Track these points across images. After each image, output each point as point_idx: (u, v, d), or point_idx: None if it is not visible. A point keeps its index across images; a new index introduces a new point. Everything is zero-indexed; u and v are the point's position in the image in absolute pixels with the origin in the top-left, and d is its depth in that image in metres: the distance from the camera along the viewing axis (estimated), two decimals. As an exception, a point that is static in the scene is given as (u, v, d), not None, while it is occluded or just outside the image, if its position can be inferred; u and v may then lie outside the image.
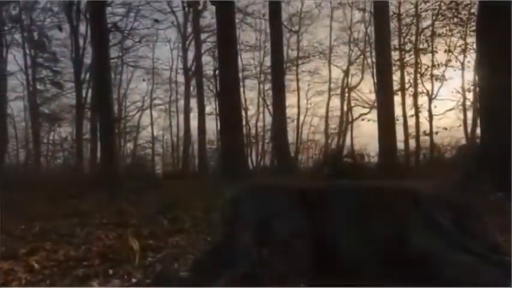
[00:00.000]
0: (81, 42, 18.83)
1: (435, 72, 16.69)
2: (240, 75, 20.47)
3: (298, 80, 22.74)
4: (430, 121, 16.82)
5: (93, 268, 2.88)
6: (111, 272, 2.78)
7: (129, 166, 17.53)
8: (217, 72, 19.24)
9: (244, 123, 21.65)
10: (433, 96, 17.07)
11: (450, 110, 17.03)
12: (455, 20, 15.24)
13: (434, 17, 16.15)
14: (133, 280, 2.60)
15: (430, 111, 17.00)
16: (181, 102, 22.35)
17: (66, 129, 22.69)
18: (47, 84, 21.46)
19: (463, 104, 16.86)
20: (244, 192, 1.82)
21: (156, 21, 18.64)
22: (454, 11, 15.06)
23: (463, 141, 15.41)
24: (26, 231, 4.42)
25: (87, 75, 19.35)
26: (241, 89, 22.00)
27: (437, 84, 17.08)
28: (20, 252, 3.36)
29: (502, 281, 1.49)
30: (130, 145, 24.79)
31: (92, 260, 3.09)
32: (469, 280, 1.43)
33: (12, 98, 20.76)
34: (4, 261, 3.14)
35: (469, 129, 16.31)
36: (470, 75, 16.05)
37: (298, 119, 22.78)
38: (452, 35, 15.81)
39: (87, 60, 18.72)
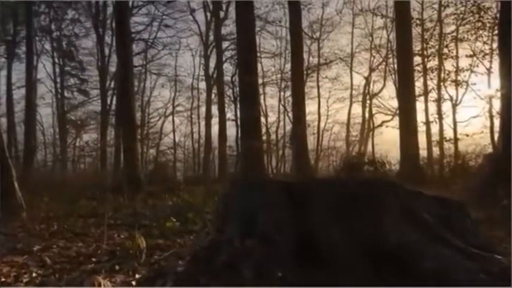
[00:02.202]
0: (106, 51, 19.44)
1: (459, 78, 16.32)
2: (261, 82, 20.72)
3: (318, 87, 22.69)
4: (454, 128, 16.43)
5: (100, 264, 2.98)
6: (117, 267, 2.87)
7: (151, 171, 17.86)
8: (234, 78, 19.56)
9: (264, 130, 21.81)
10: (457, 102, 16.70)
11: (475, 117, 16.57)
12: (479, 24, 14.90)
13: (458, 22, 15.85)
14: (137, 276, 2.68)
15: (454, 117, 16.64)
16: (203, 109, 22.67)
17: (91, 135, 23.39)
18: (74, 92, 22.25)
19: (489, 111, 16.37)
20: (234, 188, 1.87)
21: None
22: (476, 15, 14.74)
23: (488, 149, 14.92)
24: (44, 230, 4.60)
25: (112, 83, 19.92)
26: (262, 96, 22.26)
27: (461, 91, 16.71)
28: (35, 249, 3.51)
29: (497, 281, 1.47)
30: (153, 151, 25.28)
31: (100, 257, 3.19)
32: (445, 272, 1.43)
33: (41, 105, 21.60)
34: (20, 256, 3.30)
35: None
36: (496, 81, 15.62)
37: (318, 126, 22.68)
38: (477, 40, 15.46)
39: (112, 68, 19.32)
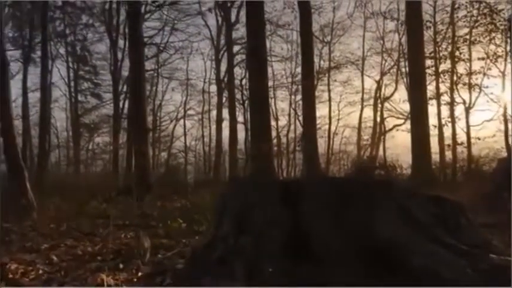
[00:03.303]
0: (119, 55, 19.70)
1: (472, 80, 16.11)
2: (271, 85, 20.76)
3: (329, 91, 22.62)
4: (468, 132, 16.19)
5: (105, 262, 3.03)
6: (121, 266, 2.91)
7: (162, 174, 18.02)
8: (243, 81, 19.69)
9: (275, 133, 21.81)
10: (471, 105, 16.46)
11: (489, 120, 16.32)
12: (491, 26, 14.71)
13: (471, 24, 15.67)
14: (140, 274, 2.72)
15: (467, 121, 16.41)
16: (214, 113, 22.78)
17: (104, 138, 23.71)
18: (88, 96, 22.61)
19: (504, 114, 16.10)
20: (231, 187, 1.89)
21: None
22: (489, 17, 14.55)
23: (501, 152, 14.68)
24: (53, 230, 4.69)
25: (125, 87, 20.18)
26: (273, 100, 22.27)
27: (474, 94, 16.49)
28: (43, 247, 3.59)
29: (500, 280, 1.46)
30: (164, 154, 25.47)
31: (105, 255, 3.25)
32: (434, 268, 1.42)
33: (55, 108, 22.00)
34: (28, 254, 3.38)
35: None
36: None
37: (329, 130, 22.60)
38: (490, 42, 15.25)
39: (125, 72, 19.57)
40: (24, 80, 18.12)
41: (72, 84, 21.63)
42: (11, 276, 2.77)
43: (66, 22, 20.18)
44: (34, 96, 19.11)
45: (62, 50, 21.04)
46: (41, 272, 2.86)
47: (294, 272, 1.52)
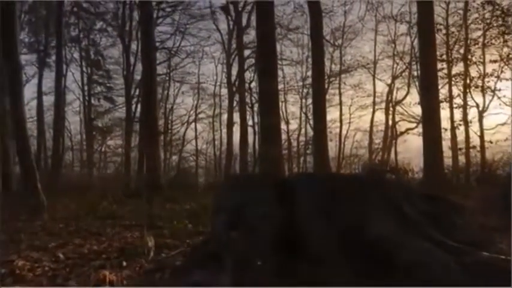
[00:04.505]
0: (132, 60, 19.98)
1: (484, 84, 15.89)
2: (282, 89, 20.80)
3: (340, 94, 22.56)
4: (481, 135, 15.94)
5: (109, 260, 3.09)
6: (125, 264, 2.96)
7: (173, 177, 18.17)
8: (252, 84, 19.77)
9: (285, 137, 21.83)
10: (484, 109, 16.22)
11: (502, 124, 16.04)
12: (503, 28, 14.50)
13: (483, 26, 15.47)
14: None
15: (481, 125, 16.15)
16: (225, 116, 22.90)
17: (117, 141, 24.02)
18: (101, 99, 22.96)
19: (518, 118, 15.82)
20: (226, 184, 1.93)
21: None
22: (501, 20, 14.34)
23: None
24: (63, 229, 4.79)
25: (137, 91, 20.45)
26: (283, 103, 22.30)
27: (488, 97, 16.24)
28: (51, 245, 3.67)
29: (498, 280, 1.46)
30: (175, 157, 25.66)
31: (110, 254, 3.31)
32: (421, 263, 1.43)
33: (68, 111, 22.40)
34: (36, 252, 3.46)
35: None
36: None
37: (340, 133, 22.51)
38: (504, 44, 15.02)
39: (138, 76, 19.83)
40: (40, 84, 18.53)
41: (85, 88, 22.03)
42: (18, 272, 2.84)
43: (80, 27, 20.63)
44: (49, 100, 19.51)
45: (76, 55, 21.51)
46: (46, 268, 2.93)
47: (285, 267, 1.54)
